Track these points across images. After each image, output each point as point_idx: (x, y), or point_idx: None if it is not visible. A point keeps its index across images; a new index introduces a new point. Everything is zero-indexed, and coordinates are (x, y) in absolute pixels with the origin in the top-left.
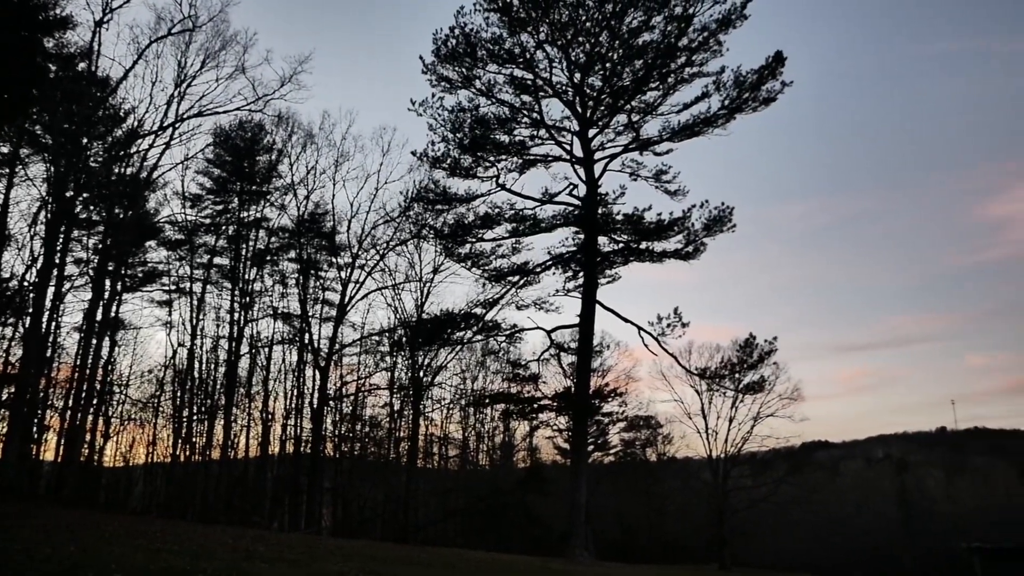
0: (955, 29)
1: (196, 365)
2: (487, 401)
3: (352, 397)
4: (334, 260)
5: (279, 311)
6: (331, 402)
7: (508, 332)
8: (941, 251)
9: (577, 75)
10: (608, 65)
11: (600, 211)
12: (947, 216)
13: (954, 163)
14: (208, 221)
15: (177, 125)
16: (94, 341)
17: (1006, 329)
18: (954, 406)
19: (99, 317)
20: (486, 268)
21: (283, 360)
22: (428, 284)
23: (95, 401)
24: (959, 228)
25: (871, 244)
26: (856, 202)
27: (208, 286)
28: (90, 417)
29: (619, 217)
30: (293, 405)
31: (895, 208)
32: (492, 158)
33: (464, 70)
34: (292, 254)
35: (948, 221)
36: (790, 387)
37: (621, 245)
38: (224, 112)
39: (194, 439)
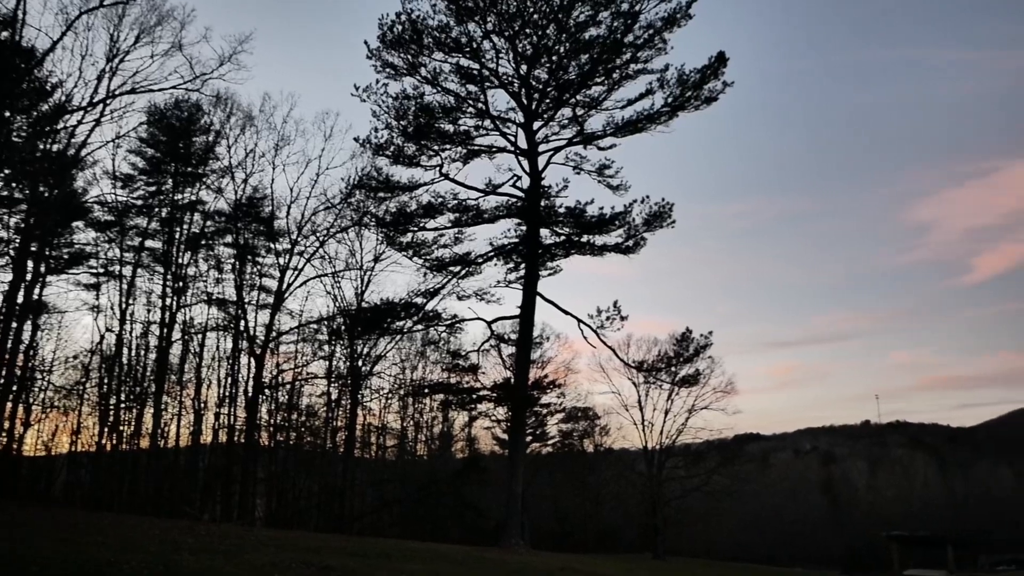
0: (891, 37)
1: (125, 351)
2: (426, 391)
3: (288, 386)
4: (272, 246)
5: (214, 297)
6: (267, 391)
7: (448, 322)
8: (871, 251)
9: (523, 67)
10: (554, 58)
11: (543, 203)
12: (877, 218)
13: (885, 167)
14: (140, 202)
15: (108, 101)
16: (14, 325)
17: (928, 327)
18: (878, 401)
19: (20, 300)
20: (428, 258)
21: (217, 347)
22: (369, 272)
23: (15, 387)
24: (888, 230)
25: (805, 243)
26: (792, 203)
27: (139, 270)
28: (9, 404)
29: (562, 210)
30: (227, 393)
31: (829, 209)
32: (436, 147)
33: (410, 57)
34: (228, 239)
35: (878, 223)
36: (724, 381)
37: (563, 238)
38: (159, 90)
39: (121, 428)
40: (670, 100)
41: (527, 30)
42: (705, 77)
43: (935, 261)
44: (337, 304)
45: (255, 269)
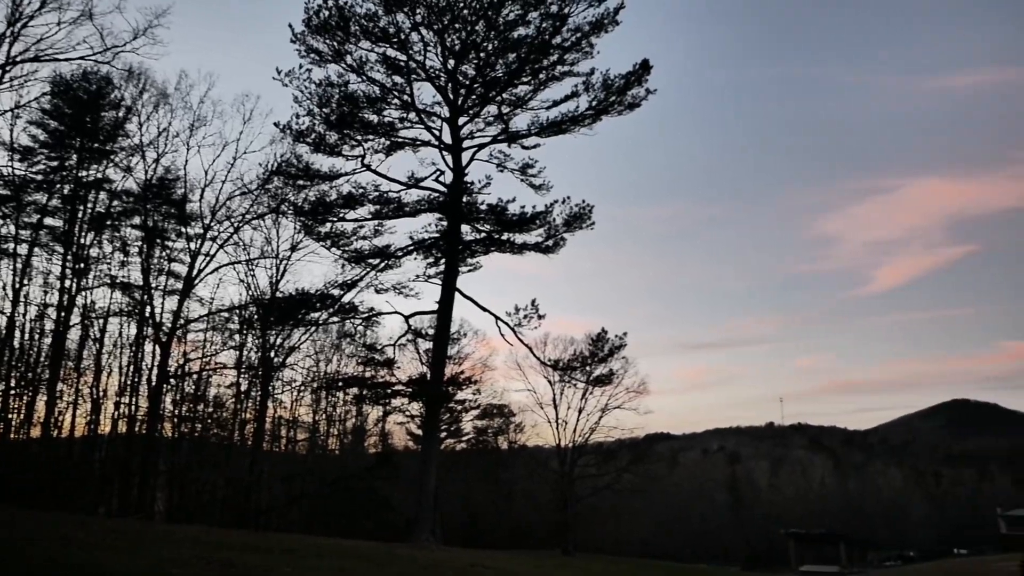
0: (808, 57)
1: (17, 334)
2: (340, 384)
3: (196, 376)
4: (183, 230)
5: (118, 280)
6: (172, 380)
7: (365, 315)
8: (781, 260)
9: (451, 62)
10: (482, 55)
11: (465, 199)
12: (788, 228)
13: (798, 180)
14: (40, 177)
15: (8, 68)
16: None
17: (830, 334)
18: (782, 403)
19: None
20: (346, 249)
21: (119, 333)
22: (285, 262)
23: None
24: (797, 240)
25: (719, 249)
26: (709, 209)
27: (36, 248)
28: None
29: (483, 207)
30: (129, 382)
31: (743, 217)
32: (359, 137)
33: (336, 44)
34: (136, 220)
35: (788, 233)
36: (637, 381)
37: (484, 235)
38: (66, 60)
39: (10, 415)
40: (594, 104)
41: (456, 25)
42: (629, 83)
43: (839, 272)
44: (250, 293)
45: (164, 253)
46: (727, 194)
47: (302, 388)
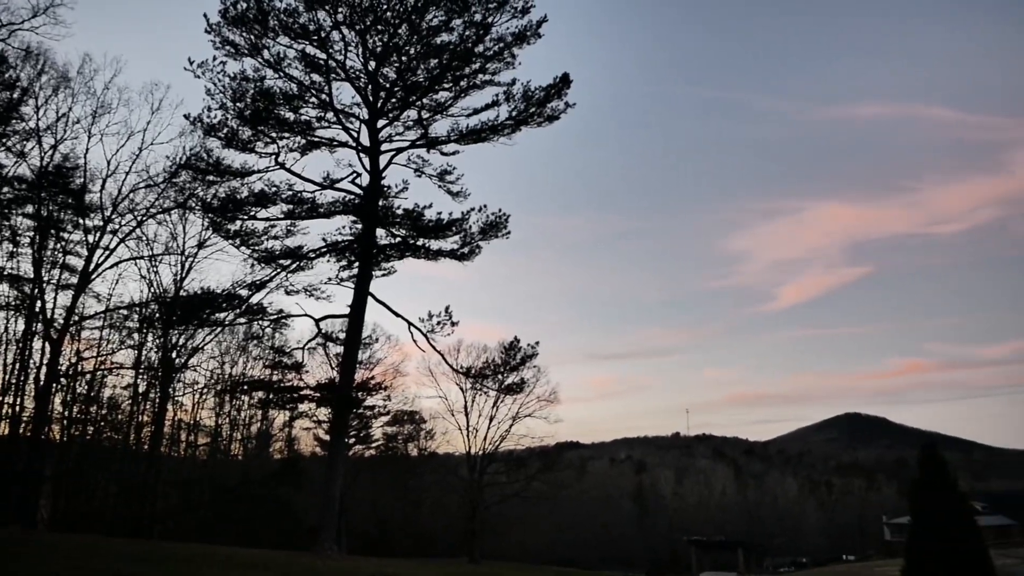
0: (722, 80)
1: None
2: (246, 388)
3: (89, 376)
4: (81, 221)
5: (5, 272)
6: (62, 380)
7: (274, 317)
8: (691, 274)
9: (372, 63)
10: (404, 59)
11: (381, 203)
12: (698, 244)
13: (709, 197)
14: None
15: None
16: None
17: (735, 348)
18: (688, 414)
19: None
20: (256, 248)
21: (5, 328)
22: (190, 259)
23: None
24: (707, 256)
25: (632, 261)
26: (624, 222)
27: None
28: None
29: (399, 211)
30: (13, 381)
31: (656, 231)
32: (274, 134)
33: (253, 37)
34: (29, 209)
35: (699, 248)
36: (548, 390)
37: (399, 239)
38: None
39: None
40: (514, 114)
41: (379, 26)
42: (549, 96)
43: (746, 288)
44: (152, 290)
45: (59, 245)
46: (641, 208)
47: (205, 390)
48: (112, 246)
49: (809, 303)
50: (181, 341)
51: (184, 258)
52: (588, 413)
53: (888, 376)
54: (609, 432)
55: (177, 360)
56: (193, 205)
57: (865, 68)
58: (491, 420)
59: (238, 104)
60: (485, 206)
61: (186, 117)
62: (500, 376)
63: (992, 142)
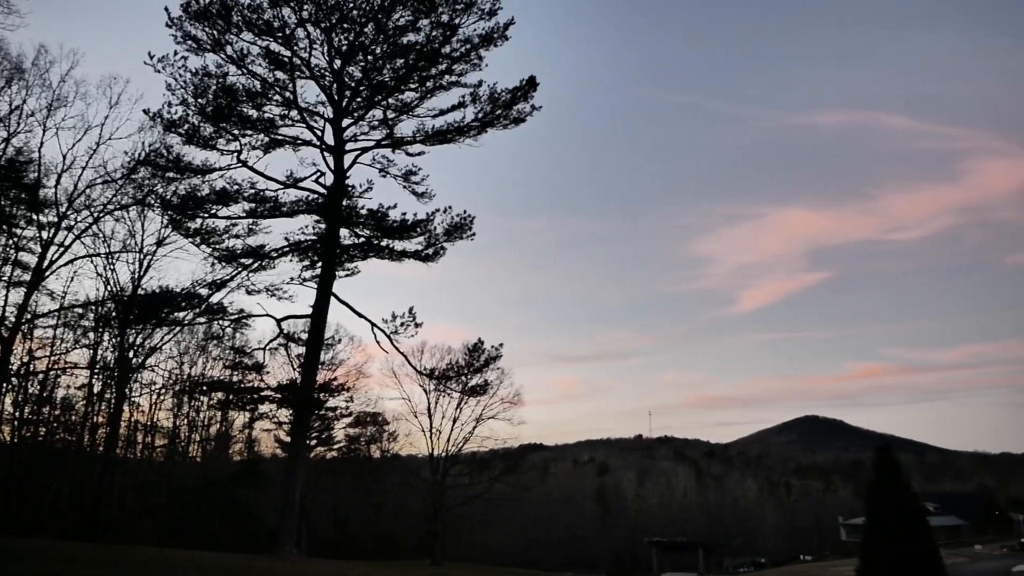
0: (684, 84)
1: None
2: (204, 388)
3: (42, 375)
4: (35, 217)
5: None
6: (13, 379)
7: (235, 317)
8: (654, 277)
9: (337, 62)
10: (370, 58)
11: (345, 203)
12: (663, 247)
13: (674, 202)
14: None
15: None
16: None
17: (697, 351)
18: (650, 416)
19: None
20: (217, 247)
21: None
22: (149, 257)
23: None
24: (671, 259)
25: (597, 264)
26: (589, 224)
27: None
28: None
29: (363, 211)
30: None
31: (621, 234)
32: (236, 131)
33: (216, 32)
34: None
35: (663, 252)
36: (512, 392)
37: (363, 240)
38: None
39: None
40: (480, 115)
41: (344, 25)
42: (515, 98)
43: (709, 292)
44: (109, 288)
45: (11, 241)
46: (607, 211)
47: (163, 391)
48: (67, 243)
49: (770, 307)
50: (138, 341)
51: (142, 256)
52: (552, 415)
53: (846, 380)
54: (572, 434)
55: (134, 360)
56: (152, 202)
57: (828, 76)
58: (454, 422)
59: (200, 100)
60: (450, 207)
61: (146, 112)
62: (464, 378)
63: (948, 151)
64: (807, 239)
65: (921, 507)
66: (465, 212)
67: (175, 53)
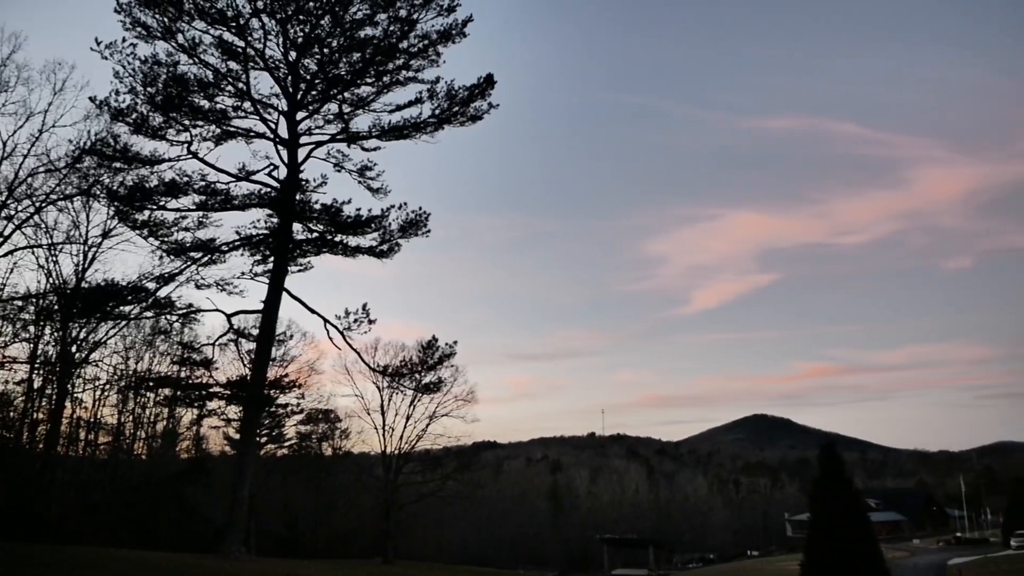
0: (640, 86)
1: None
2: (151, 384)
3: None
4: None
5: None
6: None
7: (183, 311)
8: (609, 277)
9: (293, 54)
10: (326, 51)
11: (298, 197)
12: (617, 247)
13: (628, 202)
14: None
15: None
16: None
17: (650, 350)
18: (603, 415)
19: None
20: (166, 240)
21: None
22: (94, 249)
23: None
24: (625, 259)
25: (551, 263)
26: (544, 223)
27: None
28: None
29: (317, 206)
30: None
31: (575, 233)
32: (187, 122)
33: (166, 20)
34: None
35: (617, 251)
36: (465, 389)
37: (316, 235)
38: None
39: None
40: (438, 112)
41: (300, 16)
42: (473, 95)
43: (662, 292)
44: (51, 280)
45: None
46: (563, 210)
47: (107, 387)
48: (7, 233)
49: (721, 308)
50: (82, 335)
51: (87, 248)
52: (505, 413)
53: (794, 379)
54: (526, 432)
55: (77, 355)
56: (98, 192)
57: (780, 83)
58: (408, 419)
59: (149, 89)
60: (405, 204)
61: (92, 100)
62: (417, 375)
63: (893, 158)
64: (757, 241)
65: (863, 503)
66: (420, 209)
67: (124, 40)
